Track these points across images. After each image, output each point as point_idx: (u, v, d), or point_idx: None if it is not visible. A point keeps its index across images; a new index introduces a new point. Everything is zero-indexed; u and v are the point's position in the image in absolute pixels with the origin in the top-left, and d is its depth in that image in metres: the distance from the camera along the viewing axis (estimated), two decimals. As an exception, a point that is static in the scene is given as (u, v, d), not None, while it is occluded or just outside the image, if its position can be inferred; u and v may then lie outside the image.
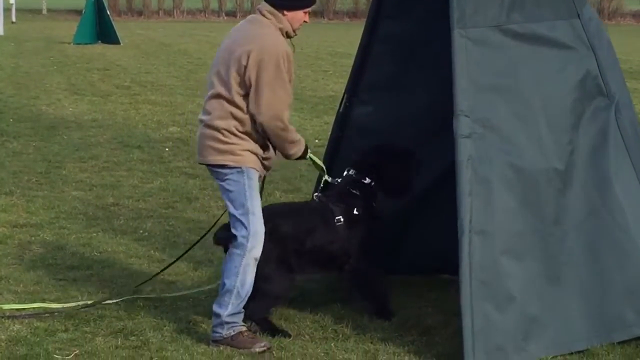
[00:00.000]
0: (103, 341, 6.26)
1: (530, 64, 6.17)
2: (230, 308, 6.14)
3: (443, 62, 6.14)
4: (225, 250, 6.34)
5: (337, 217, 6.56)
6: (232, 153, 6.13)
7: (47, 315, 6.68)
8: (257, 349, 6.09)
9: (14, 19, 45.14)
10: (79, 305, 6.84)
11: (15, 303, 6.92)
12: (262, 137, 6.15)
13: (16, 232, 8.87)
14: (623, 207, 6.19)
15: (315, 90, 20.23)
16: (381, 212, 6.77)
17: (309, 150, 6.40)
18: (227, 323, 6.15)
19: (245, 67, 6.02)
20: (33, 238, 8.69)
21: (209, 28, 45.60)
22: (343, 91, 7.46)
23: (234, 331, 6.15)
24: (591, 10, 6.53)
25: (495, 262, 5.85)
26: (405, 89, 7.22)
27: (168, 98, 18.80)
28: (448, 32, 5.98)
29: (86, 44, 31.35)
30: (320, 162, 6.74)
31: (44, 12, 55.82)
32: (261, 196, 6.40)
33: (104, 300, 6.91)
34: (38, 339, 6.28)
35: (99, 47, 30.78)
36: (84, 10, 32.60)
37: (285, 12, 6.17)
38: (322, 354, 6.08)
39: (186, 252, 7.32)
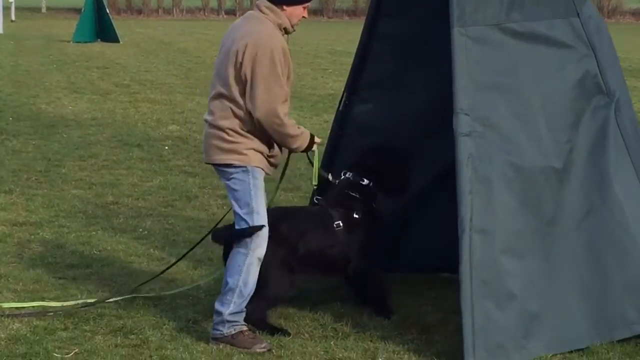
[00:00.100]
0: (102, 340, 6.25)
1: (529, 63, 6.17)
2: (232, 307, 6.14)
3: (443, 61, 6.14)
4: (226, 249, 6.33)
5: (336, 222, 6.56)
6: (236, 152, 6.12)
7: (46, 314, 6.67)
8: (257, 350, 6.08)
9: (13, 18, 45.11)
10: (78, 304, 6.83)
11: (15, 301, 6.91)
12: (266, 134, 6.13)
13: (16, 230, 8.87)
14: (623, 205, 6.19)
15: (314, 88, 20.23)
16: (381, 212, 6.77)
17: (315, 144, 6.37)
18: (229, 321, 6.14)
19: (241, 63, 6.02)
20: (32, 236, 8.68)
21: (208, 26, 45.61)
22: (342, 89, 7.46)
23: (234, 330, 6.15)
24: (592, 8, 6.52)
25: (496, 260, 5.85)
26: (404, 87, 7.21)
27: (167, 96, 18.80)
28: (448, 30, 5.97)
29: (86, 42, 31.34)
30: (316, 165, 6.71)
31: (44, 10, 55.80)
32: (272, 198, 6.52)
33: (104, 299, 6.90)
34: (37, 337, 6.28)
35: (99, 46, 30.78)
36: (83, 9, 32.60)
37: (285, 7, 6.16)
38: (322, 352, 6.08)
39: (188, 252, 7.31)
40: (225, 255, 6.40)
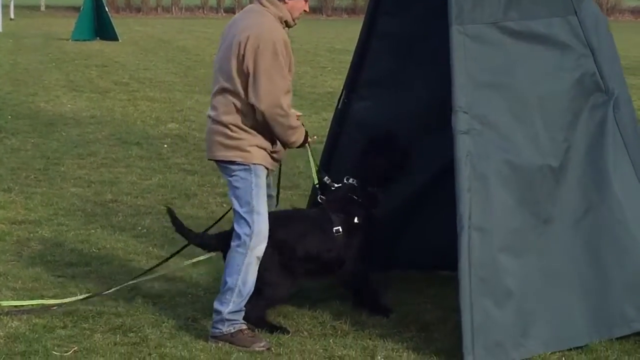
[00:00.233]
0: (102, 338, 6.26)
1: (527, 62, 6.17)
2: (232, 306, 6.13)
3: (441, 59, 6.13)
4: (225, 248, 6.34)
5: (335, 228, 6.55)
6: (239, 149, 6.11)
7: (46, 311, 6.67)
8: (257, 348, 6.08)
9: (12, 16, 45.11)
10: (62, 302, 6.81)
11: (14, 300, 6.91)
12: (269, 129, 6.12)
13: (15, 228, 8.87)
14: (622, 203, 6.19)
15: (313, 86, 20.23)
16: (380, 217, 6.76)
17: (309, 140, 6.38)
18: (228, 320, 6.14)
19: (243, 55, 6.00)
20: (31, 235, 8.68)
21: (208, 24, 45.59)
22: (341, 87, 7.46)
23: (234, 328, 6.15)
24: (593, 6, 6.51)
25: (494, 258, 5.85)
26: (403, 85, 7.22)
27: (166, 94, 18.80)
28: (446, 28, 5.97)
29: (84, 40, 31.35)
30: (314, 162, 6.72)
31: (42, 8, 55.78)
32: (279, 187, 6.52)
33: (94, 294, 6.89)
34: (37, 335, 6.28)
35: (98, 44, 30.78)
36: (82, 7, 32.61)
37: (287, 0, 6.16)
38: (321, 350, 6.08)
39: (183, 248, 7.30)
40: (225, 254, 6.40)
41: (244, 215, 6.11)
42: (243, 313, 6.20)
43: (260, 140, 6.13)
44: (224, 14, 55.52)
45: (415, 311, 6.75)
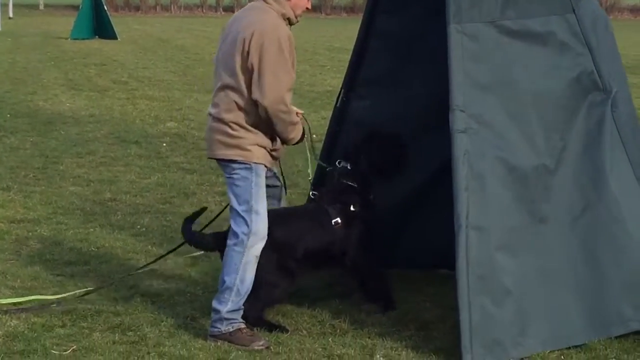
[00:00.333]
0: (100, 336, 6.26)
1: (524, 61, 6.17)
2: (230, 305, 6.13)
3: (439, 57, 6.13)
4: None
5: (334, 220, 6.54)
6: (240, 147, 6.10)
7: (44, 310, 6.67)
8: (255, 347, 6.08)
9: (11, 15, 45.11)
10: (51, 300, 6.81)
11: (12, 299, 6.91)
12: (269, 127, 6.12)
13: (13, 227, 8.87)
14: (619, 201, 6.19)
15: (312, 85, 20.23)
16: (376, 204, 6.75)
17: (306, 135, 6.40)
18: (227, 319, 6.14)
19: (248, 52, 5.99)
20: (30, 233, 8.68)
21: (207, 23, 45.57)
22: (340, 86, 7.46)
23: (232, 327, 6.15)
24: (592, 4, 6.50)
25: (492, 257, 5.85)
26: (401, 83, 7.22)
27: (165, 93, 18.79)
28: (444, 27, 5.97)
29: (83, 39, 31.35)
30: (310, 157, 6.73)
31: (41, 7, 55.78)
32: (284, 180, 6.61)
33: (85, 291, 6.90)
34: (35, 334, 6.28)
35: (96, 43, 30.77)
36: (81, 6, 32.61)
37: None
38: (320, 349, 6.08)
39: (179, 246, 7.31)
40: (222, 253, 6.40)
41: (242, 214, 6.11)
42: (242, 312, 6.19)
43: (260, 138, 6.13)
44: (222, 13, 55.52)
45: (414, 310, 6.76)
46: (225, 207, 7.18)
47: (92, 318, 6.57)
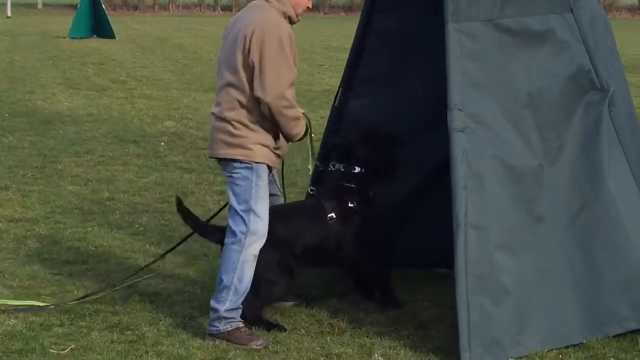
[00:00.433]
0: (99, 335, 6.25)
1: (522, 59, 6.17)
2: (228, 304, 6.13)
3: (437, 56, 6.14)
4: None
5: (329, 215, 6.54)
6: (242, 147, 6.11)
7: (42, 309, 6.67)
8: (254, 346, 6.07)
9: (9, 14, 45.08)
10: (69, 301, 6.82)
11: (10, 298, 6.90)
12: (272, 125, 6.13)
13: (12, 226, 8.87)
14: (616, 200, 6.19)
15: (310, 84, 20.21)
16: (376, 203, 6.75)
17: (309, 129, 6.40)
18: (225, 318, 6.14)
19: (249, 49, 6.02)
20: (28, 232, 8.68)
21: (205, 22, 45.55)
22: (338, 85, 7.46)
23: (231, 326, 6.15)
24: (591, 3, 6.50)
25: (490, 256, 5.85)
26: (399, 82, 7.22)
27: (164, 92, 18.78)
28: (442, 26, 5.97)
29: (81, 38, 31.31)
30: (311, 152, 6.73)
31: (39, 6, 55.72)
32: (283, 179, 6.65)
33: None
34: (34, 333, 6.28)
35: (95, 42, 30.74)
36: (79, 5, 32.55)
37: None
38: (318, 348, 6.08)
39: (178, 244, 7.32)
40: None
41: (241, 213, 6.11)
42: (240, 311, 6.19)
43: (263, 137, 6.14)
44: (221, 12, 55.49)
45: (412, 309, 6.76)
46: (224, 206, 7.19)
47: (90, 317, 6.57)
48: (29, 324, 6.43)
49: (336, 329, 6.40)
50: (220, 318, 6.14)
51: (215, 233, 6.51)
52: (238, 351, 6.02)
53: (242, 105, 6.09)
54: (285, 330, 6.35)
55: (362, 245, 6.61)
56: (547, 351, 5.93)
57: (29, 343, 6.11)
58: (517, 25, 6.15)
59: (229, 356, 5.95)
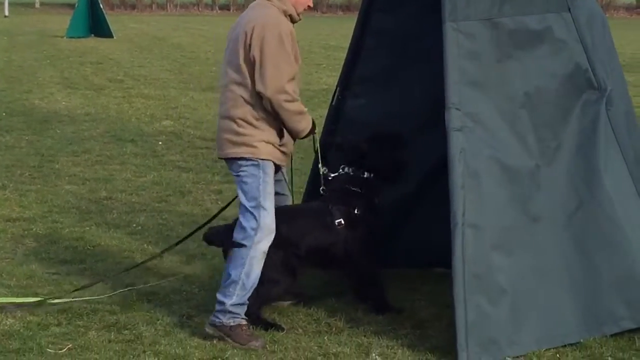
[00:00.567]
0: (96, 335, 6.25)
1: (519, 58, 6.17)
2: (235, 298, 6.13)
3: (435, 55, 6.14)
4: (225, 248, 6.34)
5: (337, 220, 6.52)
6: (247, 144, 6.14)
7: (40, 308, 6.66)
8: (252, 347, 6.07)
9: (6, 13, 45.06)
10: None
11: (7, 297, 6.90)
12: (276, 121, 6.15)
13: (9, 226, 8.86)
14: (613, 200, 6.19)
15: (308, 83, 20.20)
16: (381, 209, 6.73)
17: (315, 127, 6.41)
18: (230, 312, 6.13)
19: (250, 45, 6.07)
20: (26, 232, 8.68)
21: (203, 22, 45.53)
22: (336, 84, 7.46)
23: (234, 322, 6.14)
24: (589, 2, 6.50)
25: (487, 255, 5.85)
26: (397, 81, 7.22)
27: (161, 92, 18.77)
28: (440, 25, 5.97)
29: (79, 37, 31.29)
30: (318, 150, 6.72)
31: (37, 5, 55.69)
32: (292, 178, 6.63)
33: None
34: (31, 333, 6.28)
35: (92, 41, 30.73)
36: (77, 4, 32.54)
37: None
38: (316, 348, 6.08)
39: (176, 244, 7.32)
40: (226, 254, 6.39)
41: (251, 210, 6.14)
42: (245, 308, 6.18)
43: (267, 134, 6.17)
44: (219, 11, 55.47)
45: (409, 308, 6.75)
46: (224, 207, 7.20)
47: (87, 317, 6.57)
48: (26, 324, 6.43)
49: (334, 329, 6.40)
50: (225, 311, 6.13)
51: None
52: (235, 351, 6.02)
53: (245, 102, 6.13)
54: (282, 329, 6.35)
55: (368, 249, 6.59)
56: (544, 350, 5.93)
57: (27, 342, 6.11)
58: (515, 24, 6.16)
59: (227, 355, 5.95)
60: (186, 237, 7.23)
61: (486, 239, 5.86)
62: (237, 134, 6.16)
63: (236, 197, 6.41)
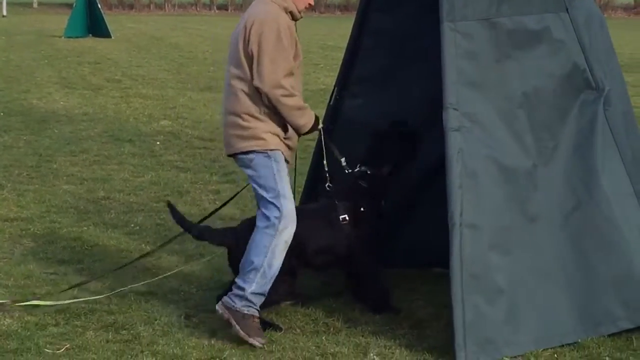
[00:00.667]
0: (94, 335, 6.25)
1: (517, 59, 6.17)
2: (255, 286, 6.11)
3: (433, 55, 6.14)
4: (231, 254, 6.36)
5: (342, 216, 6.52)
6: (255, 137, 6.16)
7: (37, 308, 6.66)
8: (255, 342, 6.04)
9: (4, 13, 45.05)
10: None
11: (5, 297, 6.90)
12: (278, 115, 6.16)
13: (7, 226, 8.86)
14: (610, 200, 6.20)
15: (306, 83, 20.05)
16: (386, 209, 6.72)
17: (320, 121, 6.42)
18: (248, 300, 6.11)
19: (248, 40, 6.11)
20: (24, 232, 8.67)
21: (200, 21, 45.53)
22: (333, 84, 7.46)
23: (248, 311, 6.12)
24: (588, 2, 6.50)
25: (485, 255, 5.85)
26: (395, 81, 7.23)
27: (159, 92, 18.77)
28: (437, 25, 5.97)
29: (77, 37, 31.29)
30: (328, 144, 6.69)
31: (35, 5, 55.69)
32: (294, 179, 6.60)
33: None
34: (29, 333, 6.28)
35: (90, 41, 30.72)
36: (74, 4, 32.53)
37: None
38: (314, 347, 6.08)
39: (170, 240, 7.31)
40: (231, 262, 6.39)
41: (272, 200, 6.14)
42: (262, 300, 6.17)
43: (272, 126, 6.19)
44: (217, 11, 55.47)
45: (407, 308, 6.75)
46: (220, 206, 7.20)
47: (85, 317, 6.56)
48: (24, 324, 6.43)
49: (332, 329, 6.40)
50: (243, 297, 6.10)
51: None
52: (233, 350, 6.01)
53: (248, 97, 6.16)
54: (280, 329, 6.34)
55: (372, 248, 6.58)
56: (542, 350, 5.93)
57: (24, 342, 6.11)
58: (513, 24, 6.16)
59: (224, 356, 5.95)
60: (180, 234, 7.23)
61: (484, 239, 5.86)
62: (244, 128, 6.18)
63: (232, 197, 6.41)
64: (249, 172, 6.26)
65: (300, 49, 6.29)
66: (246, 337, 6.05)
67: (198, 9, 56.80)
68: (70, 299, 6.82)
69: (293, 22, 6.30)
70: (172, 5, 56.42)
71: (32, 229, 8.75)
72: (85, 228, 8.81)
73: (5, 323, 6.44)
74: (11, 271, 7.54)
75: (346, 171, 6.62)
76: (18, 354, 5.96)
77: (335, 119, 7.35)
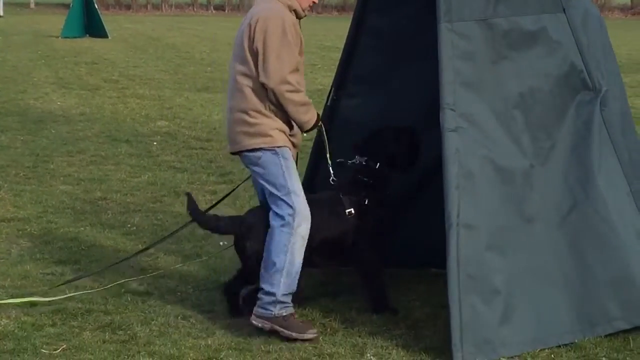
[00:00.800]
0: (90, 335, 6.24)
1: (514, 59, 6.17)
2: (283, 287, 6.11)
3: (430, 56, 6.14)
4: (238, 241, 6.34)
5: (348, 210, 6.51)
6: (262, 134, 6.16)
7: (34, 309, 6.66)
8: (309, 335, 6.07)
9: (1, 13, 45.04)
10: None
11: (3, 298, 6.89)
12: (283, 112, 6.16)
13: (3, 226, 8.85)
14: (606, 200, 6.20)
15: (303, 84, 20.22)
16: (392, 201, 6.71)
17: (320, 120, 6.43)
18: (281, 302, 6.12)
19: (253, 37, 6.12)
20: (20, 232, 8.66)
21: (198, 22, 45.53)
22: (331, 84, 7.46)
23: (286, 312, 6.13)
24: (586, 2, 6.50)
25: (482, 256, 5.85)
26: (392, 82, 7.23)
27: (156, 92, 18.77)
28: (435, 25, 5.97)
29: (74, 37, 31.29)
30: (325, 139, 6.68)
31: (32, 5, 55.68)
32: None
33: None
34: (25, 333, 6.27)
35: (87, 41, 30.72)
36: (71, 4, 32.54)
37: None
38: (310, 348, 6.07)
39: (165, 238, 7.31)
40: (238, 249, 6.38)
41: (283, 198, 6.13)
42: (291, 295, 6.17)
43: (279, 123, 6.20)
44: (214, 11, 55.48)
45: (404, 308, 6.75)
46: (215, 203, 7.20)
47: (82, 317, 6.56)
48: (20, 324, 6.42)
49: (328, 329, 6.40)
50: (276, 302, 6.11)
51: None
52: (230, 351, 6.01)
53: (254, 94, 6.16)
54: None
55: (374, 245, 6.58)
56: (539, 351, 5.93)
57: (21, 343, 6.10)
58: (510, 24, 6.16)
59: (221, 356, 5.94)
60: (176, 231, 7.22)
61: (481, 239, 5.87)
62: (251, 124, 6.17)
63: (228, 194, 6.38)
64: (257, 169, 6.24)
65: (303, 46, 6.29)
66: (301, 336, 6.07)
67: (195, 9, 56.82)
68: (62, 294, 6.83)
69: (297, 20, 6.31)
70: (169, 6, 56.44)
71: (29, 230, 8.74)
72: (82, 228, 8.80)
73: (2, 323, 6.43)
74: (8, 271, 7.53)
75: (347, 164, 6.60)
76: (15, 355, 5.95)
77: (332, 119, 7.34)
